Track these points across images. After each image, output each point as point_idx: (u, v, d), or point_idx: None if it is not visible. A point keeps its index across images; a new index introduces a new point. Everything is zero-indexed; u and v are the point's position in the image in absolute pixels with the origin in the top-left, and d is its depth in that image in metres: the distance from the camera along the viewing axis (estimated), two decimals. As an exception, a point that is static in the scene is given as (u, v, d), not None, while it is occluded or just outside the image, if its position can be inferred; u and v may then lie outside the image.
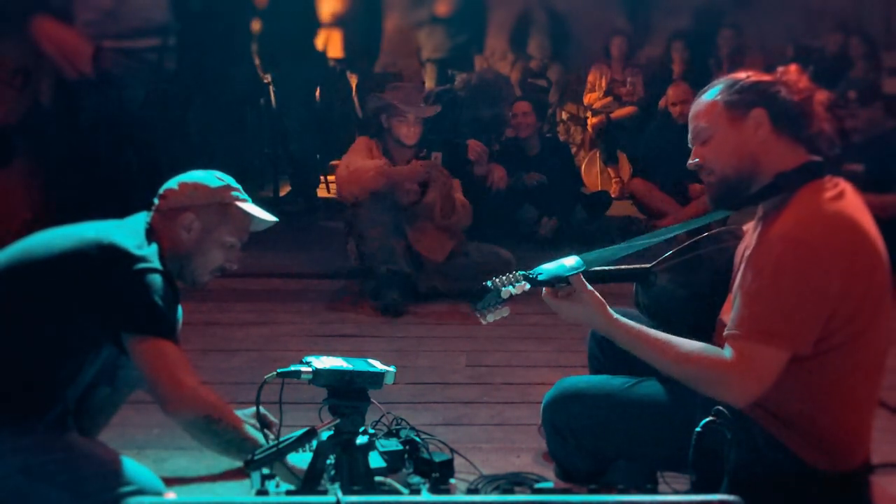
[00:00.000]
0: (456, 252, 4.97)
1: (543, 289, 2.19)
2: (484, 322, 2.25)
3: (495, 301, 2.21)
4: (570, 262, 2.19)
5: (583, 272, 2.17)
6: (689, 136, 2.21)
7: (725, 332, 2.03)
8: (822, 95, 2.13)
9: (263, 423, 2.52)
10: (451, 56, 8.20)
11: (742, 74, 2.17)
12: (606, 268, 2.27)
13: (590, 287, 2.14)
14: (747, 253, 2.11)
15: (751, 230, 2.23)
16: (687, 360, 2.05)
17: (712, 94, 2.17)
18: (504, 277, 2.22)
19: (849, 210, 2.03)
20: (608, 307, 2.14)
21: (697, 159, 2.19)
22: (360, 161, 4.70)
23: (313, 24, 7.73)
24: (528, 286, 2.21)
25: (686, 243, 2.35)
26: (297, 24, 7.19)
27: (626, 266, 2.29)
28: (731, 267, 2.25)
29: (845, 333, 2.01)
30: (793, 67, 2.15)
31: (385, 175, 4.62)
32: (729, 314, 2.16)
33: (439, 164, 4.87)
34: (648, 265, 2.30)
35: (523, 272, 2.23)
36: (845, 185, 2.09)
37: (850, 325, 2.00)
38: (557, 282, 2.17)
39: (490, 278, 2.23)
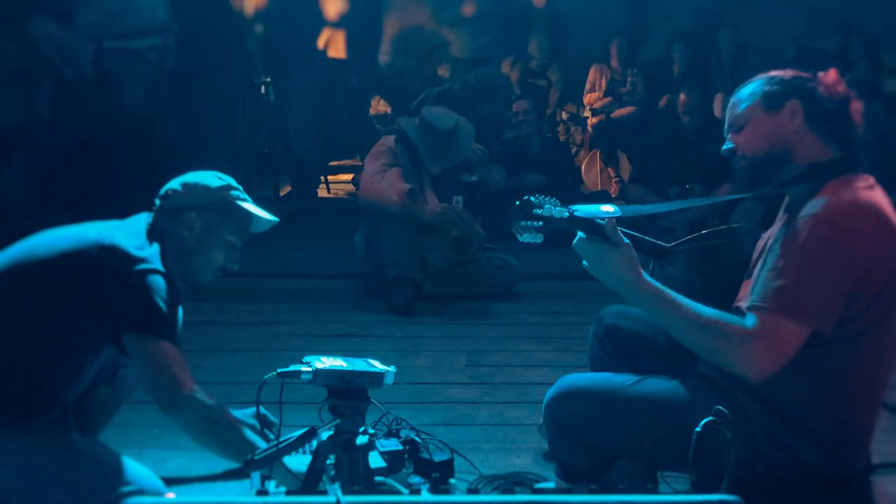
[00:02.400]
0: (465, 259, 4.98)
1: (578, 234, 2.16)
2: (519, 238, 2.19)
3: (533, 222, 2.17)
4: (608, 208, 2.18)
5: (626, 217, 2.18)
6: (726, 125, 2.26)
7: (748, 305, 2.05)
8: (857, 105, 2.19)
9: (264, 423, 2.52)
10: (477, 56, 8.21)
11: (781, 71, 2.23)
12: (632, 232, 2.24)
13: (627, 241, 2.13)
14: (770, 242, 2.13)
15: (775, 224, 2.25)
16: (707, 326, 2.04)
17: (751, 86, 2.23)
18: (544, 198, 2.19)
19: (877, 201, 2.07)
20: (638, 263, 2.12)
21: (732, 145, 2.23)
22: (382, 180, 4.68)
23: (317, 25, 7.72)
24: (566, 214, 2.16)
25: (706, 231, 2.38)
26: (301, 24, 7.18)
27: (649, 238, 2.30)
28: (747, 263, 2.27)
29: (860, 323, 2.02)
30: (832, 72, 2.21)
31: (405, 211, 4.64)
32: (744, 302, 2.17)
33: (461, 207, 4.87)
34: (668, 244, 2.31)
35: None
36: (875, 182, 2.14)
37: (865, 315, 2.02)
38: (592, 228, 2.13)
39: (533, 195, 2.20)
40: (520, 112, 6.65)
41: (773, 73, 2.23)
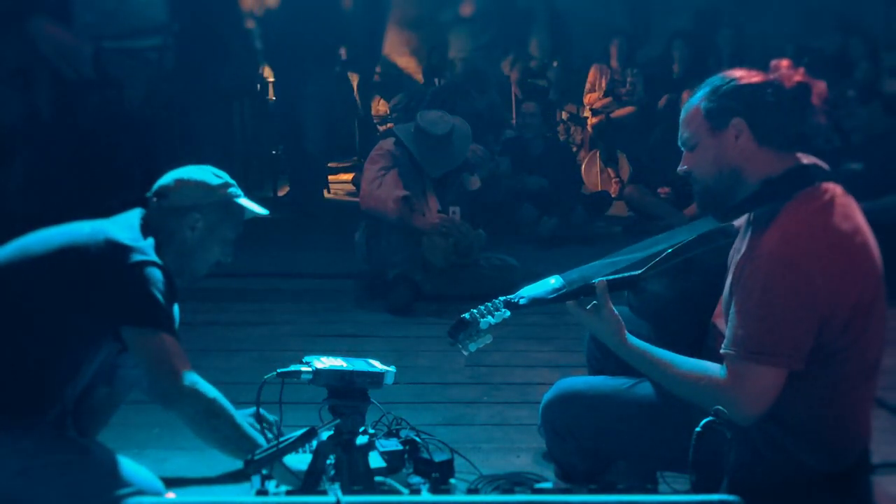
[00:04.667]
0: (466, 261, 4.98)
1: (569, 300, 2.20)
2: (466, 353, 2.28)
3: (475, 332, 2.22)
4: (552, 282, 2.21)
5: (574, 289, 2.18)
6: (679, 139, 2.20)
7: (721, 350, 2.04)
8: (819, 87, 2.08)
9: (262, 425, 2.52)
10: (475, 56, 8.20)
11: (729, 75, 2.13)
12: (595, 281, 2.21)
13: (610, 305, 2.15)
14: (737, 258, 2.10)
15: (741, 230, 2.22)
16: (687, 381, 2.07)
17: (696, 99, 2.14)
18: (483, 308, 2.23)
19: (837, 222, 2.01)
20: (624, 327, 2.16)
21: (686, 166, 2.18)
22: (380, 187, 4.70)
23: (335, 26, 7.68)
24: (507, 314, 2.22)
25: (676, 247, 2.33)
26: (318, 25, 7.13)
27: (616, 276, 2.27)
28: (723, 267, 2.24)
29: (839, 343, 2.00)
30: (784, 62, 2.11)
31: (402, 220, 4.66)
32: (721, 318, 2.15)
33: (458, 218, 4.87)
34: (638, 272, 2.28)
35: (504, 298, 2.24)
36: (835, 191, 2.06)
37: (843, 336, 2.00)
38: (584, 290, 2.17)
39: (468, 311, 2.23)
40: (526, 114, 6.66)
41: (723, 76, 2.13)
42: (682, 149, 2.19)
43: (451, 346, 2.29)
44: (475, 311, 2.24)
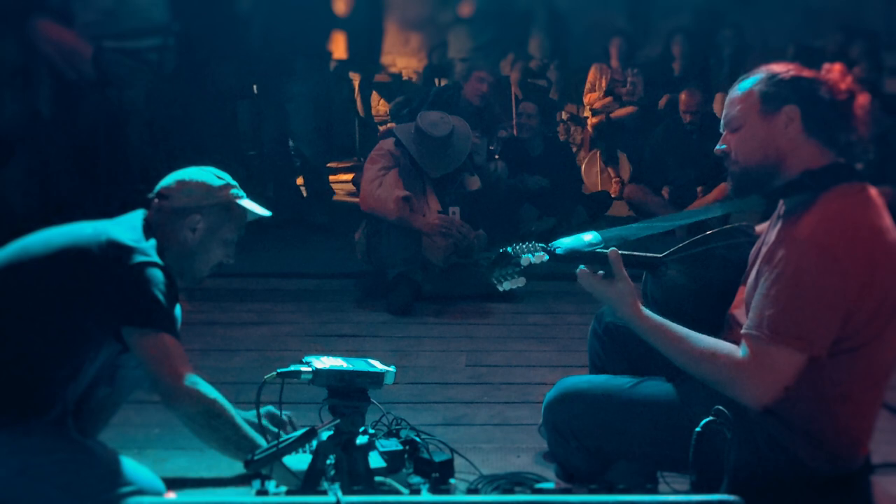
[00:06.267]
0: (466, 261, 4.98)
1: (580, 266, 2.19)
2: (500, 289, 2.25)
3: (513, 269, 2.20)
4: (588, 237, 2.20)
5: (606, 250, 2.18)
6: (722, 121, 2.21)
7: (743, 331, 2.03)
8: (864, 99, 2.12)
9: (276, 423, 2.53)
10: (475, 56, 8.19)
11: (783, 67, 2.15)
12: (622, 252, 2.22)
13: (625, 274, 2.14)
14: (764, 249, 2.11)
15: (767, 228, 2.23)
16: (703, 358, 2.05)
17: (750, 82, 2.16)
18: (523, 245, 2.21)
19: (872, 218, 2.03)
20: (638, 300, 2.14)
21: (725, 146, 2.19)
22: (380, 187, 4.70)
23: (326, 26, 7.64)
24: (546, 257, 2.20)
25: (698, 237, 2.35)
26: (309, 24, 7.10)
27: (639, 253, 2.28)
28: (742, 264, 2.25)
29: (858, 339, 2.00)
30: (837, 66, 2.13)
31: (402, 220, 4.65)
32: (739, 309, 2.15)
33: (458, 218, 4.87)
34: (660, 255, 2.29)
35: (542, 244, 2.23)
36: (872, 191, 2.08)
37: (864, 331, 2.00)
38: (594, 258, 2.16)
39: (510, 245, 2.22)
40: (523, 114, 6.66)
41: (775, 67, 2.16)
42: (723, 130, 2.20)
43: (486, 281, 2.26)
44: (516, 245, 2.22)
